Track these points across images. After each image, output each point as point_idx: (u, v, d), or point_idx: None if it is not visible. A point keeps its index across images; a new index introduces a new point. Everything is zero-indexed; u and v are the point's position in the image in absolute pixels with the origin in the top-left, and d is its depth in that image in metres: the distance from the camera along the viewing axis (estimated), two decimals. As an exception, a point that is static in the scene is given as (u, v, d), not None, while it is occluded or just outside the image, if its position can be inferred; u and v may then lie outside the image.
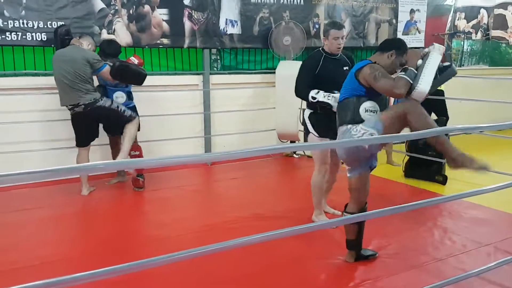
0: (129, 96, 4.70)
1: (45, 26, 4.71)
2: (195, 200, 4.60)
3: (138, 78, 4.41)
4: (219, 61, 5.94)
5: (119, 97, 4.57)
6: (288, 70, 5.28)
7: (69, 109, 4.28)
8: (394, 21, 6.98)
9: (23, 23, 4.62)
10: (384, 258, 3.15)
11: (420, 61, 2.69)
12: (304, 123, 3.71)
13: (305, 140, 3.79)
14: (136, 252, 3.20)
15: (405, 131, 2.77)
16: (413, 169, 5.14)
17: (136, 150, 4.66)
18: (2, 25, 4.54)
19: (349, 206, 3.04)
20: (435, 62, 2.66)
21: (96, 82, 4.53)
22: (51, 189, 4.57)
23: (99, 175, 4.87)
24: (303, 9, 6.17)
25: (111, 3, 5.02)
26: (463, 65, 8.18)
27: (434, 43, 2.75)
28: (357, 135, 2.75)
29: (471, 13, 8.10)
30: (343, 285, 2.83)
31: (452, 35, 7.91)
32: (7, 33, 4.57)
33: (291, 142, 5.90)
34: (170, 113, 5.45)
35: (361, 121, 2.79)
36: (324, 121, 3.57)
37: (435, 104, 5.05)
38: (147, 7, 5.22)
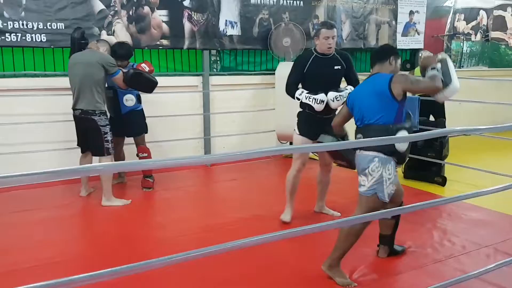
0: (138, 99, 4.67)
1: (45, 27, 4.71)
2: (195, 201, 4.60)
3: (150, 86, 4.40)
4: (218, 62, 5.94)
5: (129, 100, 4.55)
6: (288, 71, 5.26)
7: (73, 110, 4.25)
8: (393, 22, 6.98)
9: (22, 24, 4.62)
10: (384, 259, 3.15)
11: (439, 64, 2.75)
12: None
13: None
14: (135, 254, 3.20)
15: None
16: (413, 170, 5.13)
17: (144, 152, 4.67)
18: (1, 26, 4.54)
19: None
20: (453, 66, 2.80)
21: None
22: (51, 190, 4.57)
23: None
24: (303, 10, 6.18)
25: (111, 4, 5.01)
26: (462, 66, 8.18)
27: (442, 53, 2.81)
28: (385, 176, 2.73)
29: (470, 14, 8.11)
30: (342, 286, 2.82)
31: (451, 37, 7.92)
32: (7, 34, 4.57)
33: (291, 143, 5.90)
34: (170, 114, 5.44)
35: (392, 152, 2.72)
36: (308, 121, 3.62)
37: (433, 106, 5.05)
38: (146, 8, 5.22)
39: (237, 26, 5.76)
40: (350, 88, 3.58)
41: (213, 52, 5.82)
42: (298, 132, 3.69)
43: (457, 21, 7.96)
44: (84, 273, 1.36)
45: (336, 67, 3.56)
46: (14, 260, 3.08)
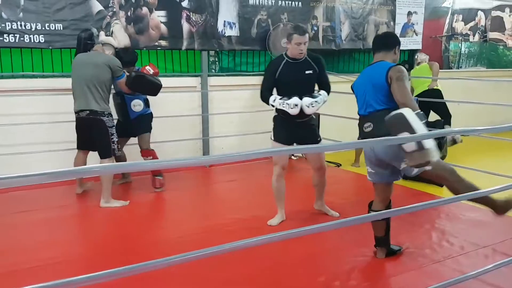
0: (146, 103, 4.63)
1: (43, 28, 4.70)
2: (194, 202, 4.60)
3: (153, 89, 4.35)
4: (217, 63, 5.94)
5: (137, 105, 4.52)
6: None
7: (75, 113, 4.21)
8: (391, 23, 6.99)
9: (21, 25, 4.62)
10: (382, 260, 3.15)
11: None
12: None
13: None
14: (135, 254, 3.19)
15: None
16: (411, 171, 5.13)
17: (148, 155, 4.62)
18: (0, 27, 4.54)
19: (374, 204, 3.11)
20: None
21: (112, 90, 4.44)
22: (50, 191, 4.56)
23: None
24: (301, 11, 6.18)
25: (109, 5, 5.01)
26: (461, 67, 8.20)
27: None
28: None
29: (468, 15, 8.13)
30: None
31: (449, 37, 7.94)
32: (5, 35, 4.56)
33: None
34: (169, 115, 5.44)
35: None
36: (283, 126, 3.60)
37: (435, 105, 5.06)
38: (145, 9, 5.22)
39: (235, 27, 5.77)
40: (324, 94, 3.55)
41: (212, 53, 5.82)
42: (272, 138, 3.68)
43: (455, 21, 7.98)
44: (84, 274, 1.36)
45: (307, 72, 3.50)
46: (14, 261, 3.08)
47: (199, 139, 5.88)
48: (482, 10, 8.28)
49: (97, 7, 4.95)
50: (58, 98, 4.81)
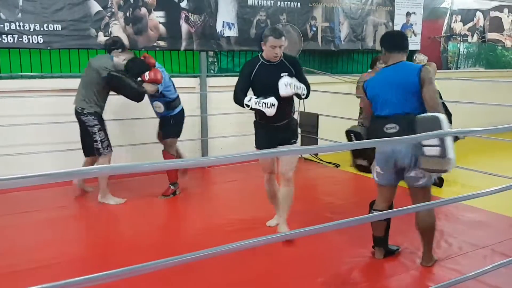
0: (168, 106, 4.45)
1: (42, 29, 4.70)
2: (193, 202, 4.59)
3: (132, 95, 4.20)
4: (216, 63, 5.94)
5: (157, 107, 4.44)
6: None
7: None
8: (390, 24, 7.00)
9: (19, 25, 4.61)
10: (381, 260, 3.15)
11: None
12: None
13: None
14: (135, 255, 3.19)
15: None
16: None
17: (166, 159, 4.49)
18: (-2, 28, 4.53)
19: (376, 204, 3.10)
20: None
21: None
22: (49, 192, 4.54)
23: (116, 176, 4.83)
24: (300, 11, 6.18)
25: (108, 6, 5.01)
26: (459, 67, 8.21)
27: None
28: None
29: (467, 16, 8.14)
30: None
31: (448, 38, 7.95)
32: (3, 36, 4.55)
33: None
34: (167, 116, 5.43)
35: None
36: (262, 132, 3.54)
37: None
38: (143, 10, 5.22)
39: (234, 27, 5.77)
40: (303, 86, 3.36)
41: (211, 53, 5.82)
42: (254, 145, 3.63)
43: (454, 22, 7.99)
44: (84, 275, 1.36)
45: (282, 74, 3.36)
46: (14, 262, 3.08)
47: (198, 139, 5.88)
48: (481, 10, 8.30)
49: (96, 7, 4.94)
50: (57, 99, 4.81)
